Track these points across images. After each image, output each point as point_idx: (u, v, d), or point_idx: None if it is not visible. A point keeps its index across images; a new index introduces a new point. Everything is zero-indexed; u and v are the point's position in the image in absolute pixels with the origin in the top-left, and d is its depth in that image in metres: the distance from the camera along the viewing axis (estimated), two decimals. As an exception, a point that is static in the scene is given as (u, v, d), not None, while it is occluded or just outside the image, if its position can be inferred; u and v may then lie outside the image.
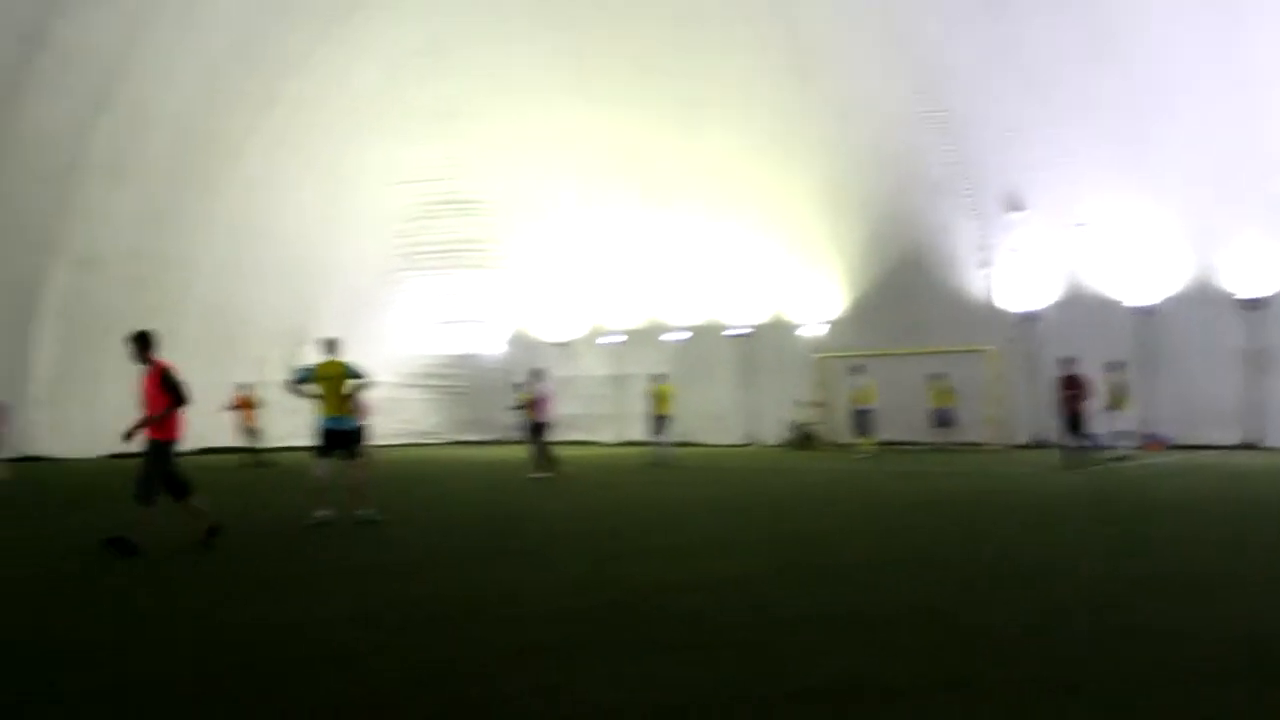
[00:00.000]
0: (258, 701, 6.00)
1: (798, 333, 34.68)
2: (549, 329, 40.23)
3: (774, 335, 35.15)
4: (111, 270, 31.85)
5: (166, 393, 11.41)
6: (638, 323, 37.98)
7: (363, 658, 6.89)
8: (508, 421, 25.88)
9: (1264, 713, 5.62)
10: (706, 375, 34.95)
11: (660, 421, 26.60)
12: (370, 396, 15.06)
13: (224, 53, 31.69)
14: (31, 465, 27.59)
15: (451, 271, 40.11)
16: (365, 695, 6.04)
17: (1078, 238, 29.17)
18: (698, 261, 35.66)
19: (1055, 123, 28.14)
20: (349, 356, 14.82)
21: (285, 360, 23.18)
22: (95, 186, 31.12)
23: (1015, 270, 30.50)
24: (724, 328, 36.11)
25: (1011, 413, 29.74)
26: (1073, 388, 22.61)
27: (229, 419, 28.35)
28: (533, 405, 23.07)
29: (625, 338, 38.20)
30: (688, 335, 36.70)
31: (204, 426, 28.91)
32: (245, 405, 28.32)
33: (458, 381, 41.61)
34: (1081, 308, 29.33)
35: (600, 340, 38.91)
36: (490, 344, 41.61)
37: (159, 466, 11.44)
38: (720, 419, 35.13)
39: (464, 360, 41.71)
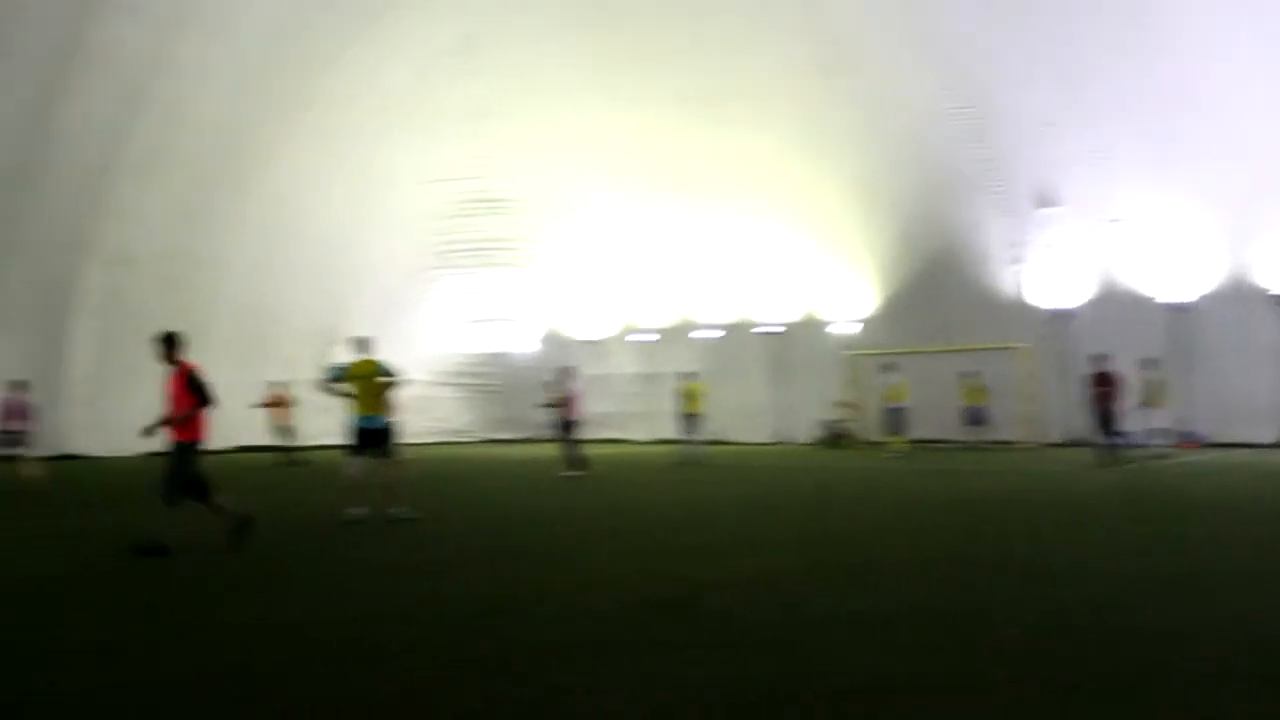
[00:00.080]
0: (291, 698, 6.03)
1: (829, 330, 34.60)
2: (581, 327, 40.26)
3: (805, 333, 35.08)
4: (145, 270, 32.08)
5: (192, 394, 11.47)
6: (669, 321, 37.97)
7: (395, 655, 6.91)
8: (539, 419, 25.96)
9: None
10: (738, 373, 34.90)
11: (691, 420, 26.57)
12: (401, 395, 15.10)
13: (256, 53, 31.88)
14: (67, 463, 27.80)
15: (483, 270, 40.20)
16: (397, 693, 6.07)
17: (1111, 234, 28.98)
18: (729, 259, 35.62)
19: (1088, 118, 27.95)
20: (381, 355, 14.90)
21: (317, 359, 23.25)
22: (128, 186, 31.34)
23: (1048, 267, 30.33)
24: (755, 325, 36.07)
25: (1044, 410, 29.58)
26: (1105, 385, 22.38)
27: (261, 418, 28.56)
28: (563, 403, 23.14)
29: (657, 336, 38.19)
30: (719, 333, 36.67)
31: (237, 425, 29.24)
32: (278, 403, 28.47)
33: (490, 380, 41.71)
34: (1115, 305, 29.14)
35: (631, 338, 38.92)
36: (522, 342, 41.68)
37: (183, 467, 11.51)
38: (751, 417, 35.08)
39: (496, 359, 41.81)
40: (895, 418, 29.33)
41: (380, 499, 14.22)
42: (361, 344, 14.92)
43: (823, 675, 6.28)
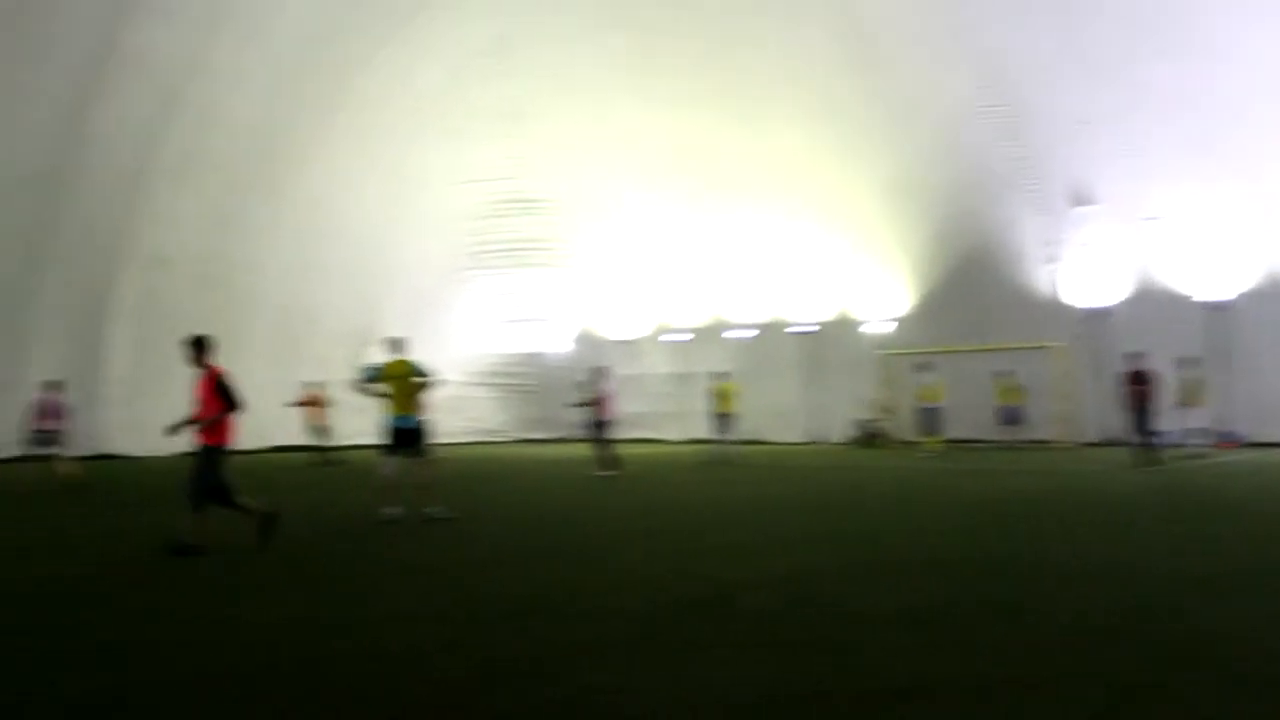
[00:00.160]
0: (326, 698, 6.05)
1: (863, 330, 34.51)
2: (614, 327, 40.29)
3: (839, 332, 34.99)
4: (181, 272, 32.31)
5: (220, 398, 11.55)
6: (703, 320, 37.96)
7: (430, 655, 6.93)
8: (573, 419, 26.03)
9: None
10: (771, 373, 34.85)
11: (723, 420, 26.54)
12: (434, 394, 15.15)
13: (290, 56, 32.06)
14: (105, 463, 28.04)
15: (517, 270, 40.30)
16: (433, 693, 6.09)
17: (1148, 232, 28.76)
18: (762, 259, 35.57)
19: (1123, 115, 27.72)
20: (414, 356, 14.96)
21: (351, 360, 23.37)
22: (164, 190, 31.57)
23: (1083, 265, 30.14)
24: (789, 325, 36.01)
25: (1080, 410, 29.39)
26: (1139, 383, 22.13)
27: (297, 418, 28.72)
28: (596, 403, 23.16)
29: (690, 335, 38.18)
30: (753, 333, 36.63)
31: (272, 425, 29.45)
32: (313, 403, 28.61)
33: (524, 380, 41.82)
34: (1152, 303, 28.91)
35: (665, 338, 38.93)
36: (556, 342, 41.76)
37: (209, 472, 11.57)
38: (785, 417, 35.02)
39: (530, 359, 41.91)
40: (930, 417, 29.24)
41: (415, 498, 14.29)
42: (395, 344, 14.99)
43: (859, 675, 6.27)
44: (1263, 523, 13.11)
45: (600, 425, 22.91)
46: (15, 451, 21.95)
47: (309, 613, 8.36)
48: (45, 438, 20.75)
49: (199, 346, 11.76)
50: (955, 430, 29.73)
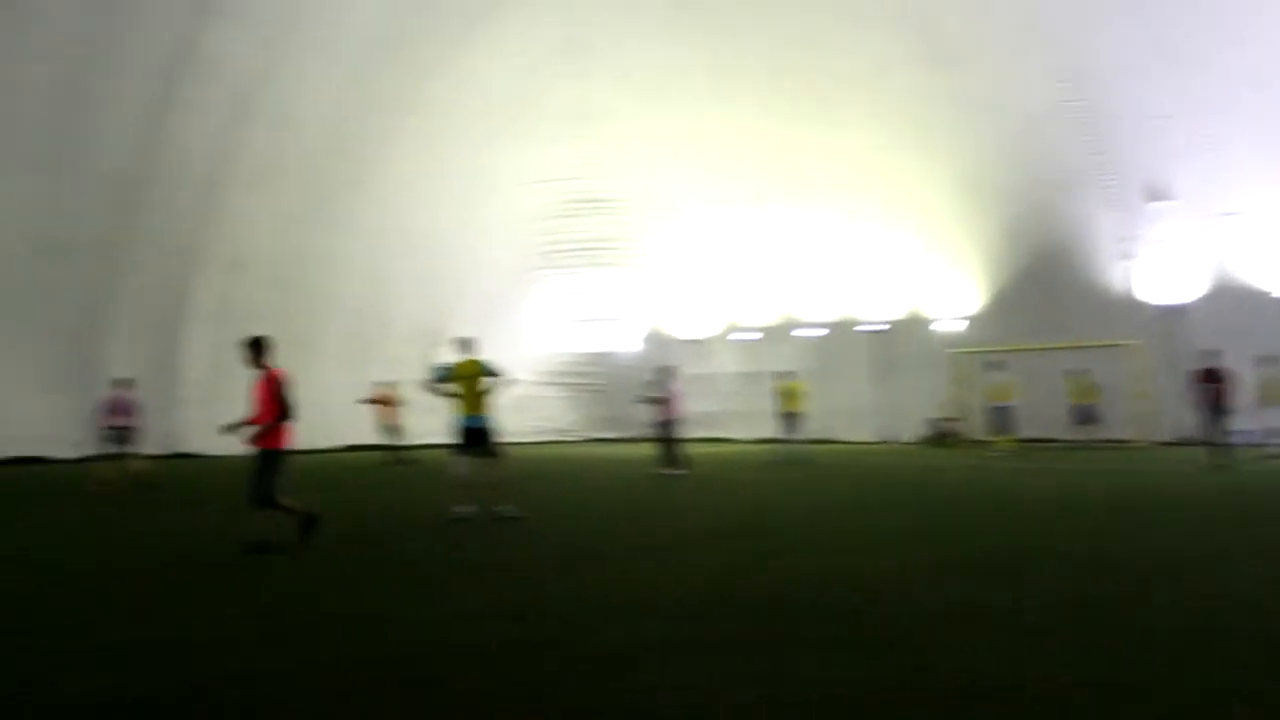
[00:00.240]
0: (402, 696, 6.07)
1: (933, 328, 34.27)
2: (683, 326, 40.31)
3: (910, 331, 34.81)
4: (256, 274, 32.72)
5: (275, 403, 11.62)
6: (772, 319, 37.88)
7: (504, 654, 6.94)
8: (642, 418, 26.06)
9: None
10: (842, 372, 34.75)
11: (790, 419, 26.41)
12: (505, 392, 15.24)
13: (360, 61, 32.37)
14: (180, 461, 28.47)
15: (587, 270, 40.44)
16: (508, 691, 6.09)
17: (1225, 227, 28.31)
18: (833, 257, 35.44)
19: (1201, 109, 27.35)
20: (485, 355, 15.05)
21: (423, 360, 23.57)
22: (239, 193, 31.99)
23: (1159, 262, 29.72)
24: (859, 324, 35.84)
25: (1156, 409, 28.99)
26: (1213, 381, 21.58)
27: (369, 416, 28.99)
28: (664, 402, 23.14)
29: (760, 334, 38.10)
30: (822, 331, 36.48)
31: (345, 425, 29.76)
32: (384, 401, 28.85)
33: (593, 379, 41.94)
34: (1230, 300, 28.47)
35: (734, 337, 38.89)
36: (626, 342, 41.84)
37: (267, 475, 11.64)
38: (856, 416, 34.89)
39: (599, 358, 42.05)
40: (1001, 416, 28.98)
41: (487, 497, 14.37)
42: (466, 344, 15.08)
43: (948, 672, 6.20)
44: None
45: (667, 424, 22.92)
46: (92, 450, 22.31)
47: (381, 611, 8.35)
48: (116, 434, 20.97)
49: (257, 348, 11.83)
50: (1027, 429, 29.46)
